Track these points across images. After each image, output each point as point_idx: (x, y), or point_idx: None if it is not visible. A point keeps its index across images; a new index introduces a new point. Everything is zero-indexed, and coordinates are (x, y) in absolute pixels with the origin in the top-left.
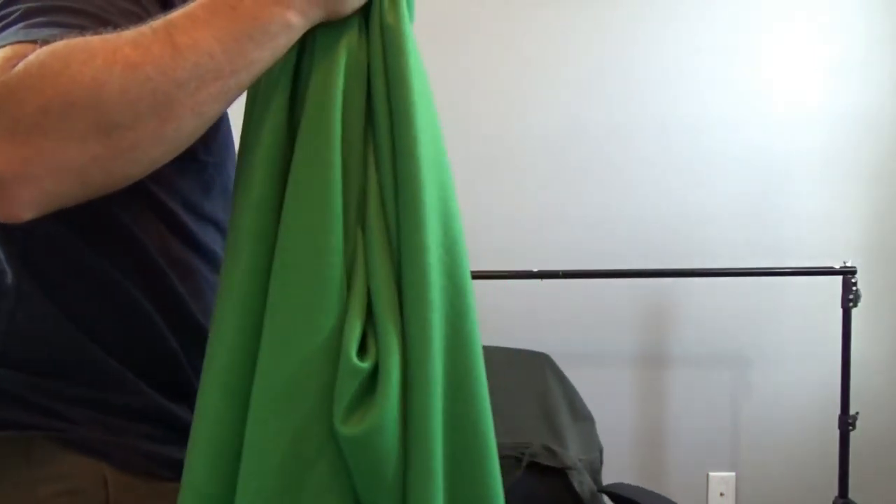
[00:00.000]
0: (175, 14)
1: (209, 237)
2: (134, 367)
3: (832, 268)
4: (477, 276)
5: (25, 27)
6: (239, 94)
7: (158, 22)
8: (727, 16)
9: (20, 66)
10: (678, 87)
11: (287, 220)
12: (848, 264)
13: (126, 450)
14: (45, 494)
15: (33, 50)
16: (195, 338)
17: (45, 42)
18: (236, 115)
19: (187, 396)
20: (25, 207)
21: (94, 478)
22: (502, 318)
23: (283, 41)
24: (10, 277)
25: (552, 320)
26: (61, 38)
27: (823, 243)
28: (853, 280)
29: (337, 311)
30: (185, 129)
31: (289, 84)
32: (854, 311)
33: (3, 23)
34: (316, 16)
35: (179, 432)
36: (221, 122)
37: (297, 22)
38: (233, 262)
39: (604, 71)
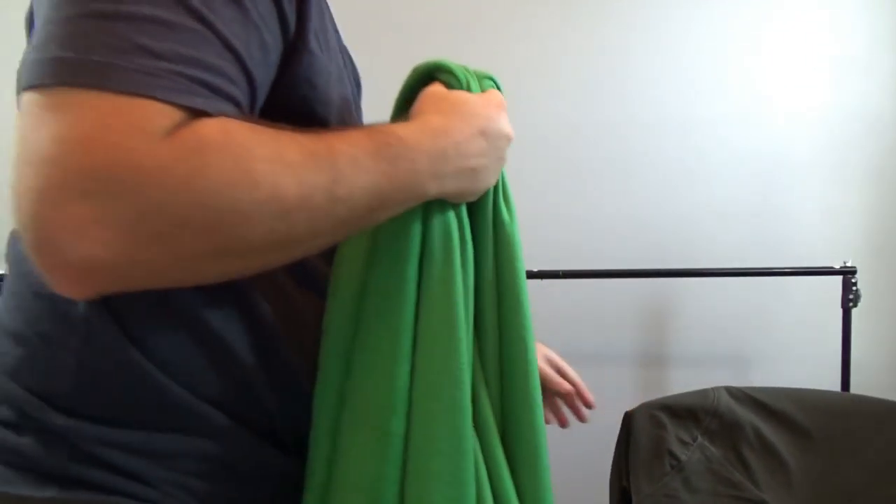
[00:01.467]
0: (343, 146)
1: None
2: (226, 409)
3: (832, 268)
4: None
5: (172, 75)
6: None
7: (326, 153)
8: (728, 15)
9: (188, 157)
10: (678, 86)
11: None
12: (848, 264)
13: None
14: None
15: (199, 123)
16: (288, 380)
17: (207, 113)
18: None
19: (284, 446)
20: (94, 291)
21: None
22: None
23: (406, 208)
24: (80, 308)
25: (552, 320)
26: (221, 114)
27: (823, 243)
28: (853, 280)
29: None
30: (282, 261)
31: (414, 290)
32: (854, 311)
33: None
34: (447, 193)
35: (282, 480)
36: None
37: (432, 195)
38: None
39: (604, 70)
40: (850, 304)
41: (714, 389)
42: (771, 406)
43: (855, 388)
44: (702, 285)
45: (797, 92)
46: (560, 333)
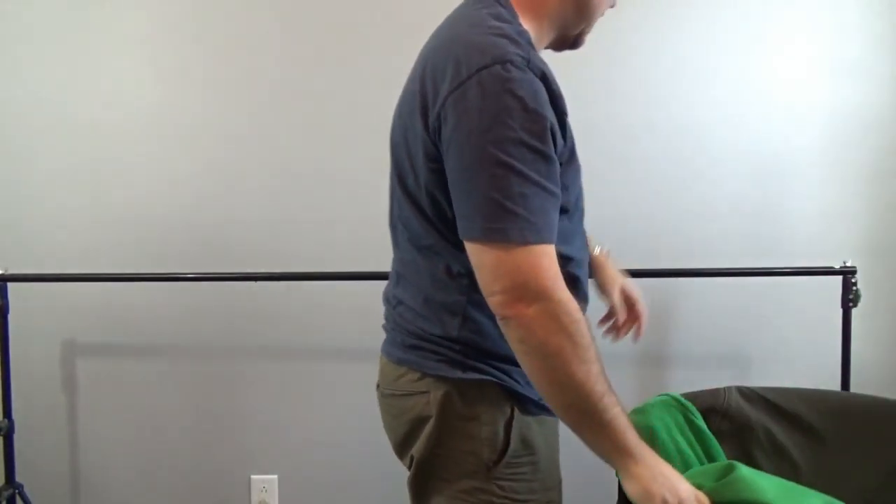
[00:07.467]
0: (613, 408)
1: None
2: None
3: (832, 268)
4: None
5: (541, 218)
6: None
7: (604, 400)
8: (728, 17)
9: (562, 318)
10: (678, 87)
11: None
12: (848, 264)
13: (520, 397)
14: (487, 415)
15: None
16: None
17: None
18: None
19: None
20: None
21: (508, 410)
22: None
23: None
24: (464, 298)
25: None
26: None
27: (823, 243)
28: (853, 280)
29: None
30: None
31: None
32: (854, 311)
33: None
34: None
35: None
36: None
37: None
38: None
39: (604, 71)
40: (850, 304)
41: (725, 389)
42: (783, 406)
43: (855, 388)
44: (702, 285)
45: (797, 92)
46: None
